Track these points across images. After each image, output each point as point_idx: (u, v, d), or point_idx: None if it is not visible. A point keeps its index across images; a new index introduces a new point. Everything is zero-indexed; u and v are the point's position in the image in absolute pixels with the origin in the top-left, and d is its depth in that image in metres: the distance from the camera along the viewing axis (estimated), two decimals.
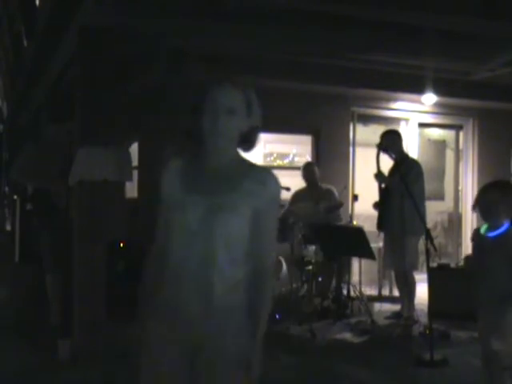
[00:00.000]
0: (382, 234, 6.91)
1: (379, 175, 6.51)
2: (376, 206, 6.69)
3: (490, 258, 3.56)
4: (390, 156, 6.38)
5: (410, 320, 6.27)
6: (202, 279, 2.17)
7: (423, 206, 6.30)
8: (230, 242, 2.19)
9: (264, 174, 2.27)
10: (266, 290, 2.27)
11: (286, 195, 7.31)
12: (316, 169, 7.54)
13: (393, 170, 6.54)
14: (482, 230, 3.66)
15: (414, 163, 6.59)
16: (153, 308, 2.27)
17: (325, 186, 7.45)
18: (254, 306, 2.22)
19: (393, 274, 7.33)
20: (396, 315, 6.62)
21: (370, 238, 6.44)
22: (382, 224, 6.61)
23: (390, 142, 6.49)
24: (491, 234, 3.60)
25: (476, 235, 3.75)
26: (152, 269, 2.32)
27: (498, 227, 3.56)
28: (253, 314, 2.22)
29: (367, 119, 9.44)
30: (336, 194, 7.37)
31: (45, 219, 5.83)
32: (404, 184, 5.78)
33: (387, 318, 6.59)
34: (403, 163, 6.43)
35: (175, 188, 2.25)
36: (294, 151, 10.39)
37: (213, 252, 2.17)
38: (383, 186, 6.57)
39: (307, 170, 7.50)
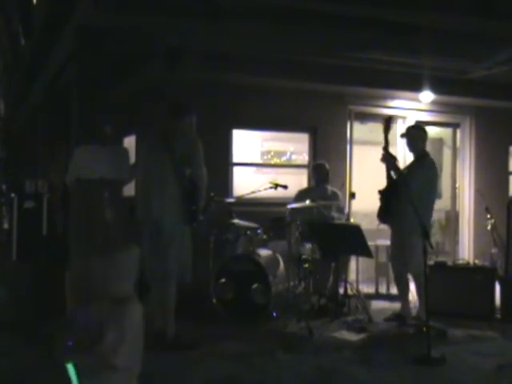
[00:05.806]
0: (379, 232, 6.88)
1: (387, 155, 6.06)
2: (381, 193, 6.27)
3: None
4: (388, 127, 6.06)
5: (419, 319, 6.00)
6: None
7: (429, 205, 6.19)
8: None
9: None
10: None
11: (284, 193, 7.32)
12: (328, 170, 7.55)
13: (409, 167, 6.34)
14: None
15: (426, 162, 6.25)
16: None
17: (330, 188, 7.47)
18: None
19: (391, 272, 7.28)
20: (397, 317, 6.35)
21: (368, 235, 6.44)
22: (385, 217, 6.32)
23: (416, 134, 6.28)
24: None
25: None
26: None
27: None
28: None
29: (364, 117, 9.44)
30: (341, 197, 7.42)
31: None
32: (403, 182, 5.74)
33: (387, 319, 6.35)
34: (419, 160, 6.26)
35: None
36: (292, 149, 10.41)
37: None
38: (393, 174, 6.17)
39: (320, 171, 7.51)
